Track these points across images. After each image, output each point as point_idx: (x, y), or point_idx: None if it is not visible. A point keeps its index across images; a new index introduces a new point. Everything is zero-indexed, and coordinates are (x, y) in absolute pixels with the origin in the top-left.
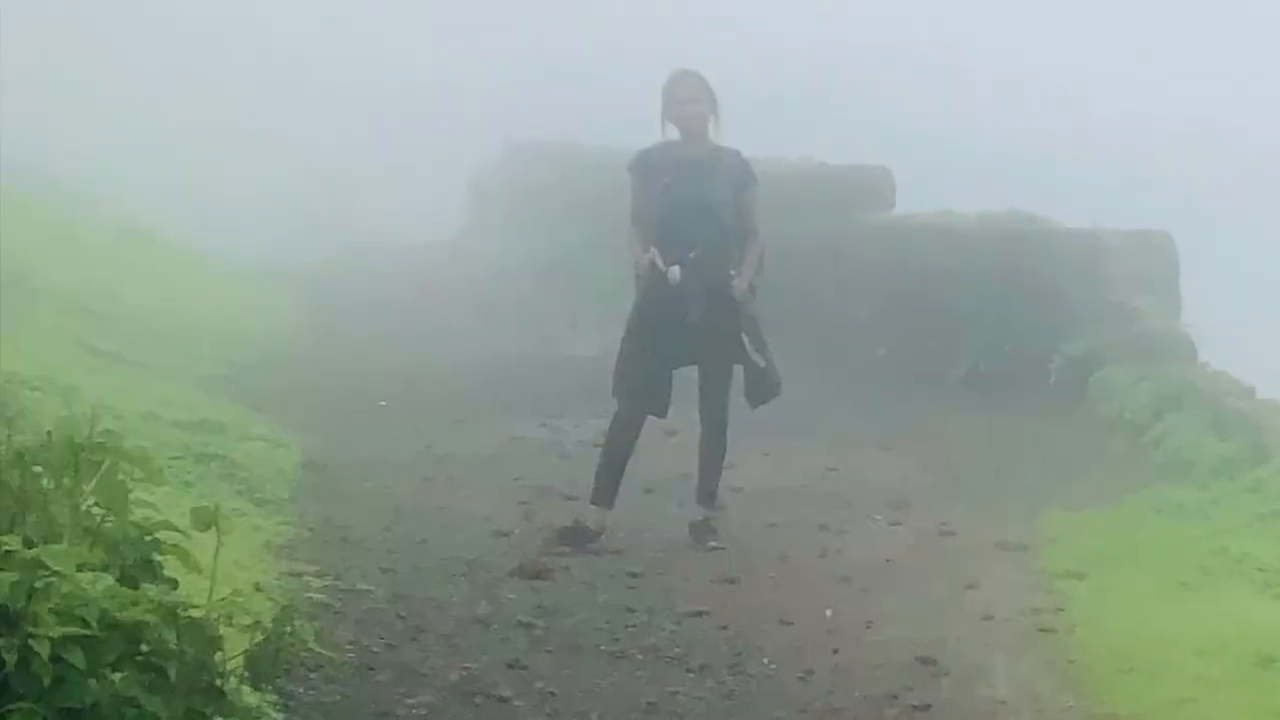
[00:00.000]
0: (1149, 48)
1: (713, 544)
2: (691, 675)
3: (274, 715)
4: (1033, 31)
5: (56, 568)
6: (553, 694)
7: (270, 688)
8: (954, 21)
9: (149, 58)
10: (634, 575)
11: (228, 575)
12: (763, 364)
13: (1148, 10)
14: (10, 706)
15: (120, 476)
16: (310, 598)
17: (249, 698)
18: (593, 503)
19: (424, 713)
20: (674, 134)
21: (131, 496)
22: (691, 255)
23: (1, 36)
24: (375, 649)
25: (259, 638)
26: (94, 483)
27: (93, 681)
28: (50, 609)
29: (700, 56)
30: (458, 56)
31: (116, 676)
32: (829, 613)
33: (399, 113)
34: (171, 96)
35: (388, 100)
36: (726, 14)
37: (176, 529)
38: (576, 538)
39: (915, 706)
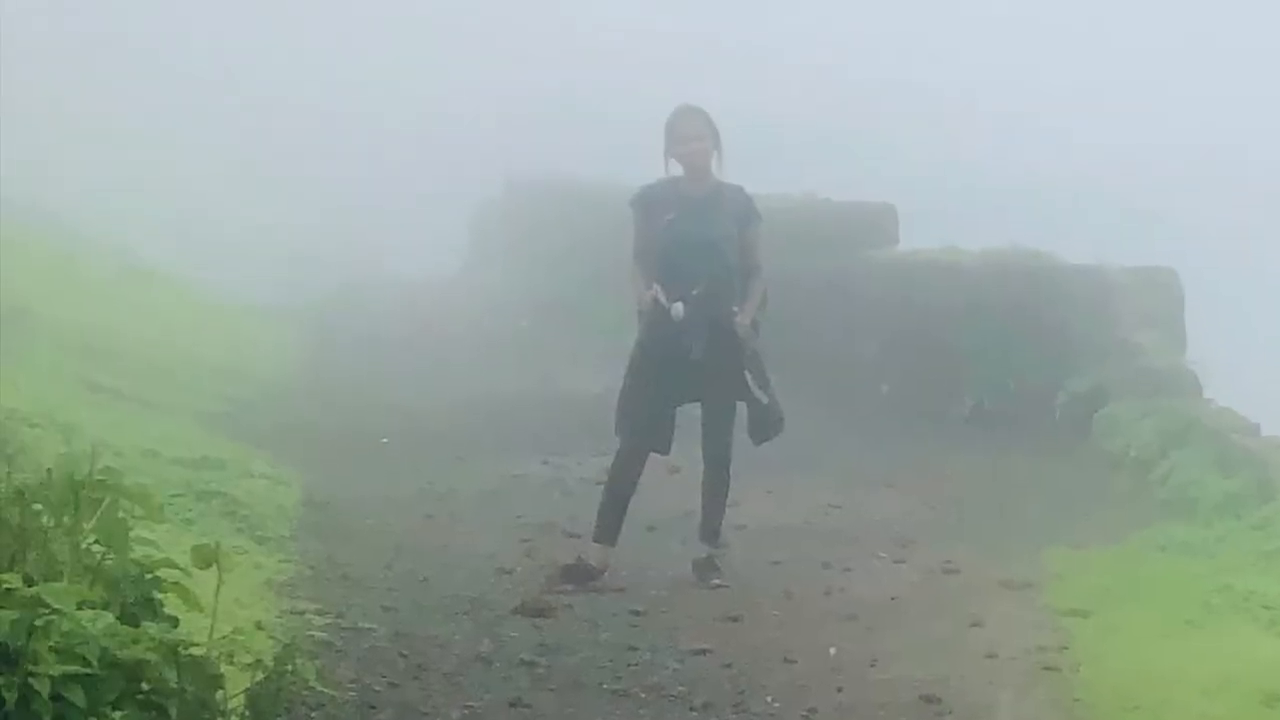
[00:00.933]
0: (1152, 82)
1: (716, 581)
2: (695, 714)
3: None
4: (1036, 66)
5: (57, 605)
6: None
7: None
8: (957, 56)
9: (149, 94)
10: (637, 613)
11: (228, 613)
12: (766, 400)
13: (1151, 45)
14: None
15: (120, 514)
16: (311, 636)
17: None
18: (595, 540)
19: None
20: (677, 170)
21: (132, 534)
22: (694, 292)
23: (1, 73)
24: (377, 688)
25: (260, 676)
26: (94, 520)
27: None
28: (51, 647)
29: (703, 92)
30: (460, 92)
31: (117, 715)
32: (833, 651)
33: (401, 148)
34: (172, 132)
35: (390, 136)
36: (729, 50)
37: (177, 567)
38: (579, 575)
39: None
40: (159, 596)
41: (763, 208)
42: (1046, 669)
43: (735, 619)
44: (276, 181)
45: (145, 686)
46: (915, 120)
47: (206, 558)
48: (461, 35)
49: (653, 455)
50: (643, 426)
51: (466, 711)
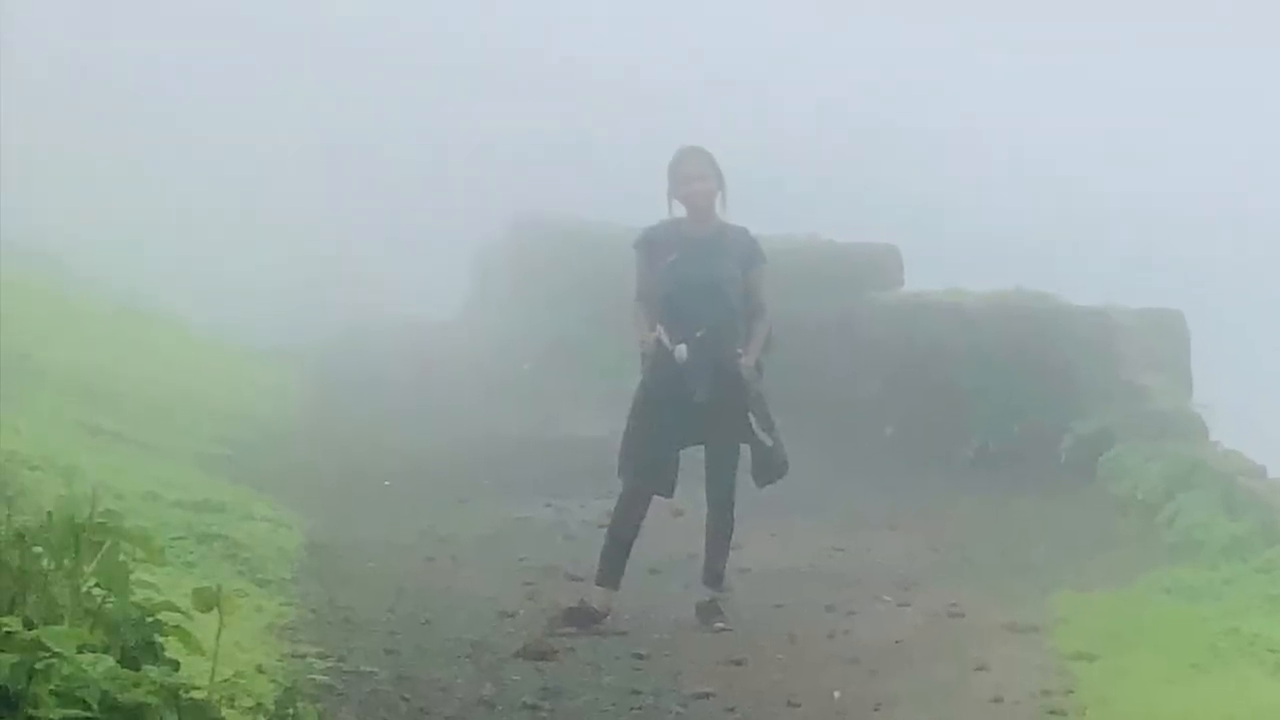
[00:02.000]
0: (1157, 126)
1: (719, 625)
2: None
3: None
4: (1041, 110)
5: (57, 649)
6: None
7: None
8: (963, 100)
9: (149, 136)
10: (640, 656)
11: (230, 657)
12: (770, 443)
13: (1156, 89)
14: None
15: (121, 557)
16: (313, 679)
17: None
18: (598, 583)
19: None
20: (680, 211)
21: (133, 577)
22: (698, 334)
23: (2, 118)
24: None
25: None
26: (95, 563)
27: None
28: (51, 691)
29: (706, 133)
30: (463, 132)
31: None
32: (837, 694)
33: (403, 189)
34: (172, 175)
35: (391, 177)
36: (734, 91)
37: (178, 610)
38: (582, 619)
39: None
40: (160, 640)
41: (766, 249)
42: (1052, 713)
43: (739, 662)
44: (278, 223)
45: None
46: (920, 162)
47: (208, 601)
48: (464, 75)
49: (656, 498)
50: (646, 469)
51: None
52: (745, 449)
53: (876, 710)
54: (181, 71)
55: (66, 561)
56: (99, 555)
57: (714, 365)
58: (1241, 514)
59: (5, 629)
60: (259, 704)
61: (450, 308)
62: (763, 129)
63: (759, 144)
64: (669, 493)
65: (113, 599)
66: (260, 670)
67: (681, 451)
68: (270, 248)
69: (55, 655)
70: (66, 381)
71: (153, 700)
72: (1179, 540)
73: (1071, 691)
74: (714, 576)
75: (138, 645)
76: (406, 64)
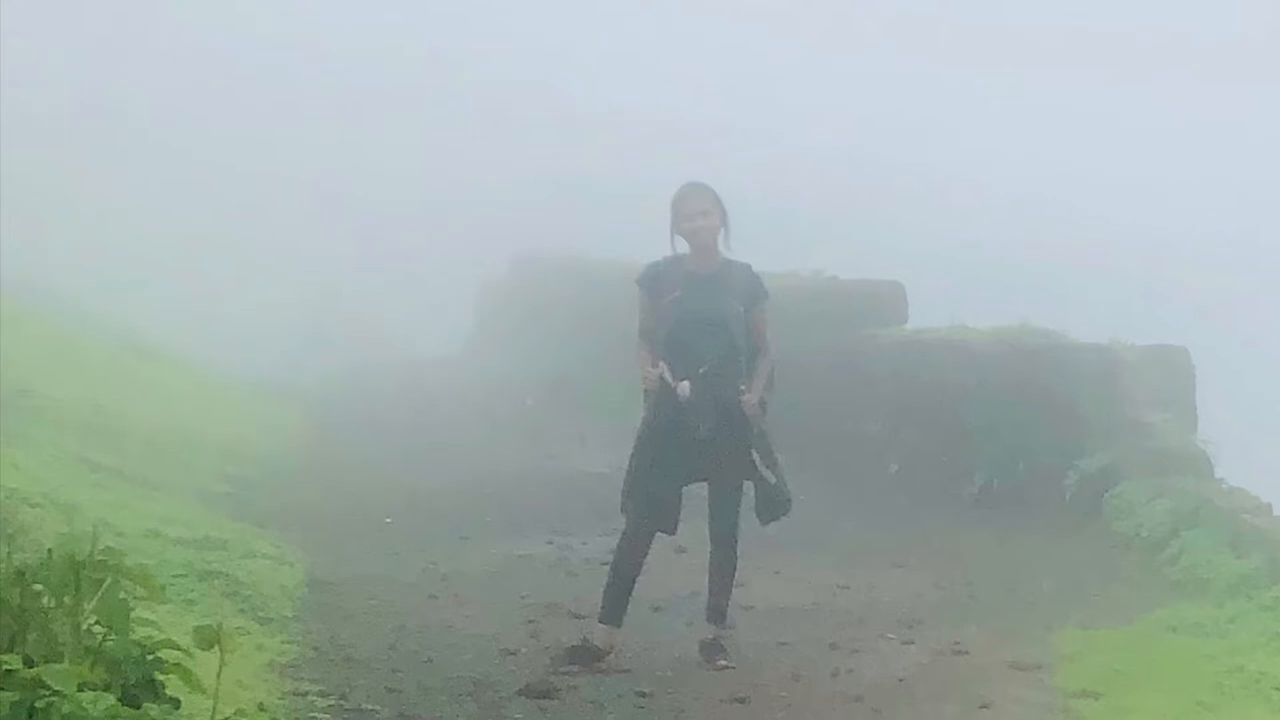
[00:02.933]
0: (1162, 162)
1: (723, 662)
2: None
3: None
4: (1045, 147)
5: (57, 687)
6: None
7: None
8: (966, 137)
9: (150, 172)
10: (643, 695)
11: (231, 695)
12: (773, 480)
13: (1160, 127)
14: None
15: (121, 595)
16: (314, 718)
17: None
18: (601, 621)
19: None
20: (683, 248)
21: (133, 615)
22: (701, 370)
23: (2, 151)
24: None
25: None
26: (95, 601)
27: None
28: None
29: (710, 169)
30: (465, 170)
31: None
32: None
33: (406, 227)
34: (174, 211)
35: (394, 214)
36: (736, 127)
37: (179, 648)
38: (584, 656)
39: None
40: (160, 678)
41: (770, 285)
42: None
43: (742, 700)
44: (280, 261)
45: None
46: (924, 198)
47: (209, 639)
48: (467, 115)
49: (659, 535)
50: (649, 506)
51: None
52: (749, 486)
53: None
54: (184, 107)
55: (67, 599)
56: (99, 593)
57: (717, 402)
58: (1247, 551)
59: (6, 667)
60: None
61: (452, 345)
62: (766, 165)
63: (762, 180)
64: (672, 530)
65: (113, 637)
66: (261, 708)
67: (685, 489)
68: (272, 284)
69: (56, 693)
70: (67, 417)
71: None
72: (1184, 578)
73: None
74: (717, 613)
75: (138, 683)
76: (407, 99)
